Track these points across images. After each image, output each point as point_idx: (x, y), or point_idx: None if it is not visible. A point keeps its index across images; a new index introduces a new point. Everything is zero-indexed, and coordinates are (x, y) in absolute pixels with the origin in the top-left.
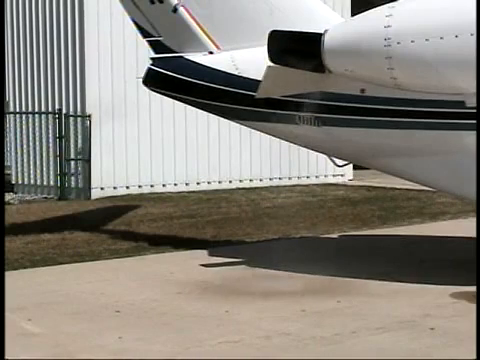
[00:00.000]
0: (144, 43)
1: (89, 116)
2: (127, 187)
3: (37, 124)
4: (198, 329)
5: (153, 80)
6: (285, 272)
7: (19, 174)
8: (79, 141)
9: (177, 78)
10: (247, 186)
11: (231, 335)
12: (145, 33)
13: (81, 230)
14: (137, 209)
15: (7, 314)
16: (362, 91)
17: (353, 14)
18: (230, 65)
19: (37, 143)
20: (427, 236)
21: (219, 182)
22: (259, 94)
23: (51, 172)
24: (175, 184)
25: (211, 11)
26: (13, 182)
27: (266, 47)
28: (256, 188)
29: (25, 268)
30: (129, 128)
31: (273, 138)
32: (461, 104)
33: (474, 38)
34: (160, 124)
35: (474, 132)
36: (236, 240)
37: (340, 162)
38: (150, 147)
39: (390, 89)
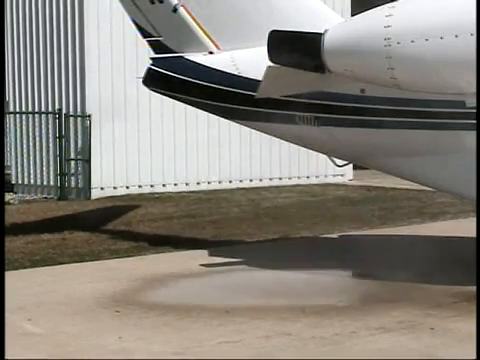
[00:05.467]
0: (144, 43)
1: (89, 116)
2: (127, 187)
3: (37, 124)
4: (198, 329)
5: (153, 80)
6: (285, 272)
7: (19, 174)
8: (79, 141)
9: (177, 78)
10: (247, 186)
11: (231, 335)
12: (145, 33)
13: (81, 230)
14: (137, 209)
15: (7, 314)
16: (362, 91)
17: (353, 14)
18: (230, 65)
19: (37, 143)
20: (427, 236)
21: (219, 182)
22: (259, 94)
23: (51, 172)
24: (175, 184)
25: (211, 11)
26: (13, 182)
27: (266, 47)
28: (256, 188)
29: (25, 268)
30: (129, 128)
31: (273, 138)
32: (461, 104)
33: (474, 38)
34: (160, 124)
35: (474, 132)
36: (236, 240)
37: (340, 162)
38: (150, 147)
39: (390, 89)
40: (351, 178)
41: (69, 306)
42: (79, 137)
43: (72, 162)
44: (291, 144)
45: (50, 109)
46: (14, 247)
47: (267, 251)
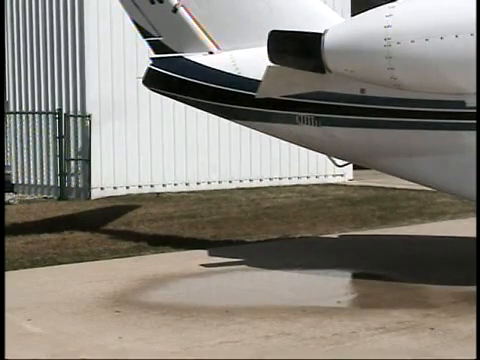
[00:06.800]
0: (144, 43)
1: (89, 116)
2: (127, 187)
3: (37, 124)
4: (198, 329)
5: (153, 80)
6: (285, 272)
7: (19, 174)
8: (79, 141)
9: (177, 78)
10: (247, 186)
11: (231, 335)
12: (145, 33)
13: (81, 230)
14: (137, 209)
15: (7, 314)
16: (362, 91)
17: (353, 14)
18: (230, 65)
19: (37, 143)
20: (427, 236)
21: (219, 182)
22: (259, 94)
23: (51, 172)
24: (175, 184)
25: (211, 11)
26: (13, 182)
27: (266, 47)
28: (256, 188)
29: (25, 268)
30: (129, 128)
31: (273, 138)
32: (461, 104)
33: (474, 38)
34: (160, 124)
35: (474, 132)
36: (236, 240)
37: (340, 162)
38: (150, 147)
39: (390, 89)
40: (351, 178)
41: (69, 306)
42: (79, 137)
43: (72, 162)
44: (291, 144)
45: (50, 109)
46: (14, 247)
47: (267, 251)
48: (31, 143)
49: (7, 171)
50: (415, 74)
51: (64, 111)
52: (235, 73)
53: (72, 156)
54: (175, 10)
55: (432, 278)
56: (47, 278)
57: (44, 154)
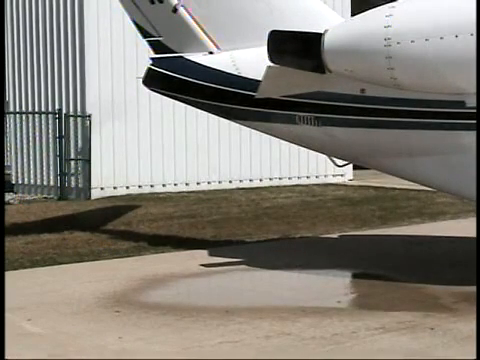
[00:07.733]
0: (144, 43)
1: (89, 116)
2: (127, 187)
3: (37, 124)
4: (198, 329)
5: (153, 80)
6: (285, 272)
7: (19, 174)
8: (79, 141)
9: (177, 78)
10: (247, 186)
11: (231, 335)
12: (145, 33)
13: (81, 230)
14: (137, 209)
15: (7, 314)
16: (362, 91)
17: (353, 14)
18: (230, 65)
19: (37, 143)
20: (427, 236)
21: (219, 182)
22: (259, 94)
23: (51, 172)
24: (175, 184)
25: (211, 11)
26: (13, 182)
27: (266, 47)
28: (256, 188)
29: (25, 268)
30: (129, 128)
31: (273, 138)
32: (461, 104)
33: (474, 38)
34: (160, 124)
35: (474, 132)
36: (236, 240)
37: (340, 162)
38: (150, 147)
39: (390, 89)
40: (351, 178)
41: (69, 306)
42: (79, 137)
43: (72, 162)
44: (291, 144)
45: (50, 109)
46: (14, 247)
47: (267, 251)
48: (31, 143)
49: (7, 171)
50: (415, 74)
51: (64, 111)
52: (235, 73)
53: (72, 156)
54: (175, 10)
55: (432, 278)
56: (47, 278)
57: (44, 154)
